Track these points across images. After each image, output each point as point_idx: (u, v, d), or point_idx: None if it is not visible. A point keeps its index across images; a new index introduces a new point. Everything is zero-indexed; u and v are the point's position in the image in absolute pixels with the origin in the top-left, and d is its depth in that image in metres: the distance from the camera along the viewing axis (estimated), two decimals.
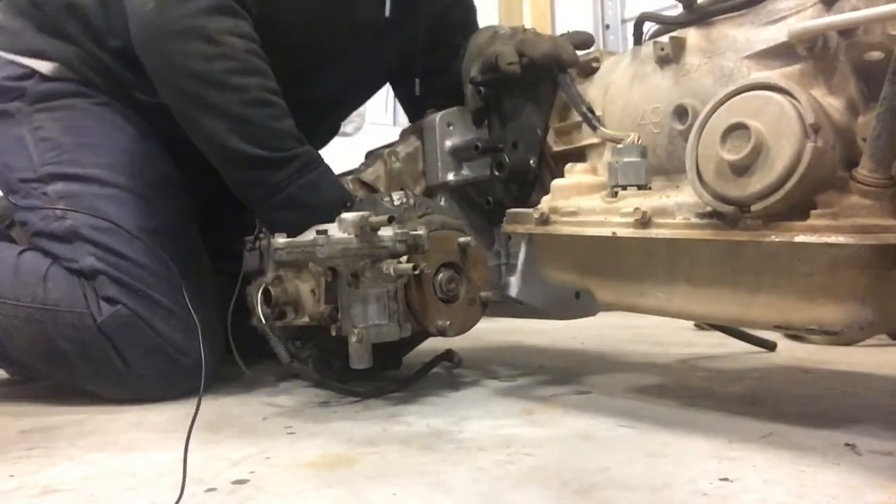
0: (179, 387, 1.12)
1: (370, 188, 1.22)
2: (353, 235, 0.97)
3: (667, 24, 0.94)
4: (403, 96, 1.52)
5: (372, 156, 1.25)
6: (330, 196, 1.11)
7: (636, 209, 0.84)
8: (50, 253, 1.16)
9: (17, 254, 1.17)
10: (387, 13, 1.24)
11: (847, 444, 0.78)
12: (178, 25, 1.08)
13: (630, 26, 1.23)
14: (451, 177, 1.18)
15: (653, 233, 0.83)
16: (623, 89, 0.98)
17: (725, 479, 0.69)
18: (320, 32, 1.23)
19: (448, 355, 1.20)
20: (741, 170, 0.73)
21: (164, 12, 1.09)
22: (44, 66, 1.26)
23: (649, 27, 0.98)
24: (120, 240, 1.14)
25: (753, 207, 0.73)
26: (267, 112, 1.09)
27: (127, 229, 1.13)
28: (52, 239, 1.16)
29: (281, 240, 1.01)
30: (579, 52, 1.08)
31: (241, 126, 1.08)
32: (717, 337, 1.43)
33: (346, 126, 2.68)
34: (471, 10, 1.45)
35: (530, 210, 0.99)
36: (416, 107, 1.44)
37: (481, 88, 1.15)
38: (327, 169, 1.14)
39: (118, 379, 1.12)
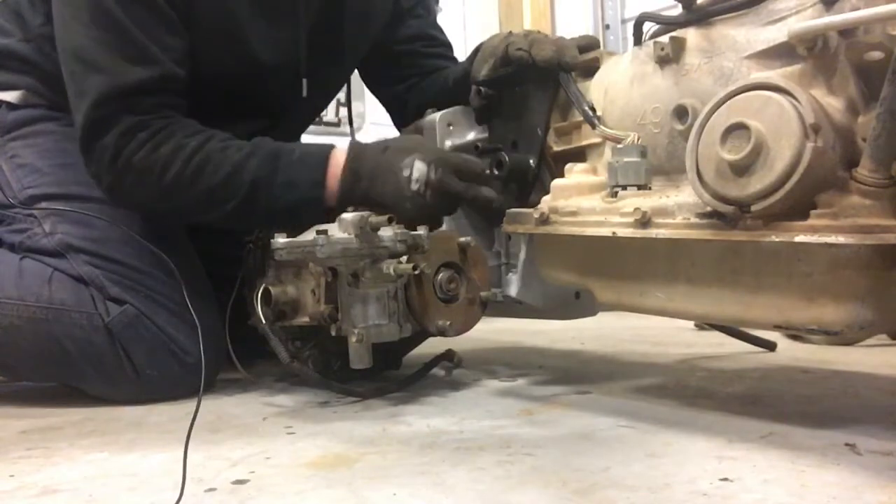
0: (184, 386, 1.12)
1: None
2: (353, 235, 0.97)
3: (667, 24, 0.94)
4: (384, 97, 1.54)
5: None
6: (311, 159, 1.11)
7: (636, 209, 0.84)
8: (48, 265, 1.16)
9: (19, 258, 1.17)
10: (304, 94, 1.29)
11: (847, 444, 0.78)
12: (117, 182, 1.11)
13: (630, 26, 1.23)
14: None
15: (653, 233, 0.83)
16: (623, 89, 0.98)
17: (725, 479, 0.69)
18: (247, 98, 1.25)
19: (448, 355, 1.20)
20: (741, 170, 0.73)
21: (102, 181, 1.13)
22: (10, 96, 1.27)
23: (649, 27, 0.98)
24: (112, 247, 1.14)
25: (753, 207, 0.73)
26: (213, 169, 1.10)
27: (117, 236, 1.14)
28: (44, 254, 1.16)
29: (281, 240, 1.01)
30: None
31: (215, 200, 1.10)
32: (717, 337, 1.43)
33: (347, 126, 2.69)
34: (427, 20, 1.50)
35: (530, 210, 0.99)
36: (400, 107, 1.47)
37: (481, 88, 1.15)
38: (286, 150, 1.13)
39: (123, 379, 1.12)
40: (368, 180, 1.08)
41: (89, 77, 1.10)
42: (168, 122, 1.11)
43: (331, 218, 1.04)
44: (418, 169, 1.05)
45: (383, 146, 1.11)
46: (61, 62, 1.14)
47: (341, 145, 1.13)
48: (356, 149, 1.12)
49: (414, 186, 1.05)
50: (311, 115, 1.51)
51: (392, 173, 1.06)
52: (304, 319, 1.08)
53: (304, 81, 1.29)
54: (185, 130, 1.12)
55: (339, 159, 1.10)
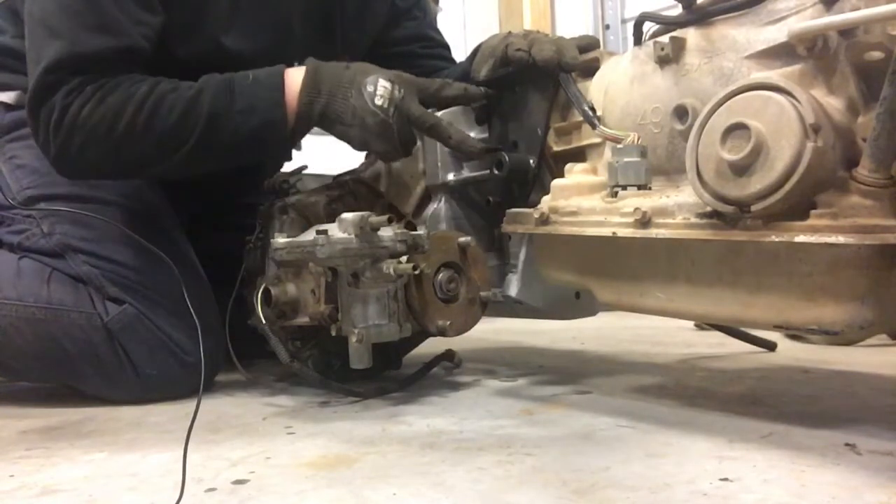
0: (184, 386, 1.12)
1: (370, 188, 1.22)
2: (353, 235, 0.97)
3: (667, 24, 0.94)
4: None
5: (372, 156, 1.25)
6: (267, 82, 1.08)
7: (636, 209, 0.84)
8: (46, 265, 1.16)
9: (17, 259, 1.17)
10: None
11: (847, 444, 0.78)
12: (66, 144, 1.07)
13: (630, 26, 1.23)
14: (451, 177, 1.18)
15: (653, 233, 0.83)
16: (623, 89, 0.98)
17: (725, 479, 0.69)
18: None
19: (448, 355, 1.20)
20: (741, 170, 0.73)
21: (51, 146, 1.08)
22: (7, 97, 1.28)
23: (649, 27, 0.98)
24: (111, 247, 1.14)
25: (753, 207, 0.73)
26: (167, 110, 1.06)
27: (116, 236, 1.14)
28: (43, 254, 1.16)
29: (281, 240, 1.01)
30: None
31: (173, 142, 1.06)
32: (717, 337, 1.43)
33: None
34: (424, 21, 1.50)
35: (530, 210, 0.99)
36: None
37: (481, 88, 1.15)
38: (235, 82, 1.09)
39: (123, 379, 1.12)
40: (328, 96, 1.05)
41: (48, 43, 1.06)
42: (117, 79, 1.07)
43: (294, 143, 1.02)
44: (383, 86, 1.03)
45: (344, 64, 1.08)
46: (25, 30, 1.11)
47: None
48: (315, 64, 1.08)
49: (378, 101, 1.02)
50: None
51: (355, 89, 1.04)
52: (304, 319, 1.08)
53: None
54: (132, 78, 1.07)
55: (296, 77, 1.07)
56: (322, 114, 1.05)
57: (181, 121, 1.05)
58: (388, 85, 1.03)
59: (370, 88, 1.03)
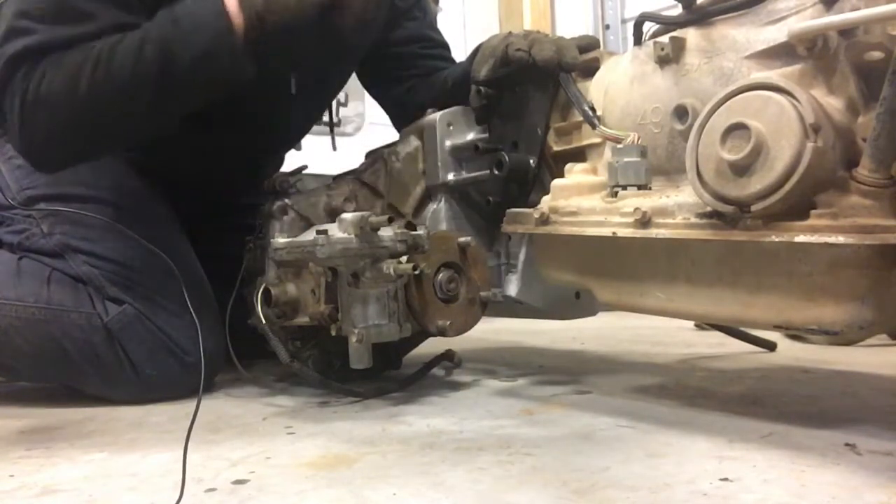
0: (184, 386, 1.12)
1: (370, 188, 1.22)
2: (353, 235, 0.97)
3: (667, 24, 0.94)
4: (382, 99, 1.54)
5: (372, 156, 1.25)
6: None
7: (636, 209, 0.84)
8: (46, 265, 1.16)
9: (17, 258, 1.17)
10: (293, 90, 1.25)
11: (847, 444, 0.78)
12: (31, 124, 1.04)
13: (630, 26, 1.23)
14: (451, 177, 1.18)
15: (653, 233, 0.83)
16: (623, 89, 0.98)
17: (725, 479, 0.68)
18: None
19: (448, 355, 1.20)
20: (741, 170, 0.73)
21: (19, 133, 1.06)
22: None
23: (649, 27, 0.98)
24: (111, 247, 1.14)
25: (753, 207, 0.73)
26: (122, 56, 1.02)
27: (116, 236, 1.14)
28: (42, 254, 1.16)
29: (281, 240, 1.01)
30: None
31: (135, 90, 1.03)
32: (717, 337, 1.43)
33: (346, 126, 2.69)
34: (423, 22, 1.49)
35: (530, 210, 0.99)
36: (399, 109, 1.46)
37: (481, 88, 1.15)
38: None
39: (123, 380, 1.12)
40: None
41: (11, 40, 1.04)
42: (70, 50, 1.03)
43: (255, 56, 1.02)
44: None
45: None
46: None
47: None
48: None
49: None
50: (304, 121, 1.50)
51: None
52: (304, 319, 1.08)
53: (293, 80, 1.27)
54: (86, 46, 1.04)
55: None
56: (266, 8, 1.03)
57: (136, 62, 1.02)
58: None
59: None
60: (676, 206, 0.82)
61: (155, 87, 1.03)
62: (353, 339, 0.99)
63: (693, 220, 0.80)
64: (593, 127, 0.98)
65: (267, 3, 1.03)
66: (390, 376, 1.19)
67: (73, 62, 1.02)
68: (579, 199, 0.95)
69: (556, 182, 0.99)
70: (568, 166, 1.02)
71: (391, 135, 1.35)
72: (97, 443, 0.91)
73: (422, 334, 1.12)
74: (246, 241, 1.21)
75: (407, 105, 1.42)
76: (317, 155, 1.61)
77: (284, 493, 0.70)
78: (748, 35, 0.83)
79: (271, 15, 1.03)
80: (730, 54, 0.85)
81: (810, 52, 0.75)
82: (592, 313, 1.20)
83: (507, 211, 1.04)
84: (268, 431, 0.93)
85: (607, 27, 3.17)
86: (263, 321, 1.08)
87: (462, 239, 1.08)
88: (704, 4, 0.88)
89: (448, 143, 1.18)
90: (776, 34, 0.80)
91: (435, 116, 1.19)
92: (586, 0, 3.21)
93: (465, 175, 1.17)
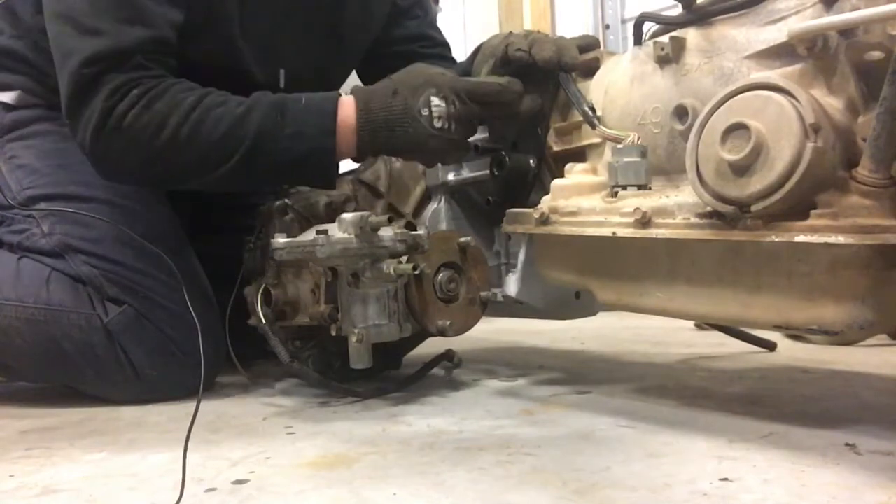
0: (184, 387, 1.12)
1: (370, 188, 1.22)
2: (352, 235, 0.97)
3: (667, 24, 0.94)
4: None
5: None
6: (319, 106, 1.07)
7: (636, 209, 0.84)
8: (46, 265, 1.16)
9: (17, 258, 1.17)
10: (281, 84, 1.25)
11: (847, 444, 0.78)
12: (107, 147, 1.06)
13: (630, 26, 1.23)
14: (450, 177, 1.18)
15: (653, 233, 0.83)
16: (623, 89, 0.98)
17: (725, 479, 0.69)
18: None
19: (448, 355, 1.20)
20: (741, 170, 0.73)
21: (91, 147, 1.07)
22: (6, 97, 1.27)
23: (649, 27, 0.98)
24: (111, 248, 1.14)
25: (753, 207, 0.73)
26: (213, 124, 1.04)
27: (116, 237, 1.13)
28: (42, 255, 1.16)
29: (281, 240, 1.01)
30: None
31: (215, 158, 1.05)
32: (717, 337, 1.43)
33: None
34: (424, 21, 1.49)
35: (530, 210, 0.99)
36: None
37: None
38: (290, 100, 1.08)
39: (123, 380, 1.12)
40: (387, 130, 1.04)
41: (79, 38, 1.05)
42: (160, 80, 1.06)
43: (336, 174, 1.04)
44: (437, 106, 1.02)
45: (391, 89, 1.05)
46: (47, 26, 1.10)
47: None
48: (364, 96, 1.06)
49: (437, 124, 1.02)
50: None
51: (410, 118, 1.02)
52: (304, 319, 1.08)
53: (282, 72, 1.26)
54: (181, 86, 1.07)
55: (348, 107, 1.06)
56: (386, 145, 1.05)
57: (227, 137, 1.04)
58: (441, 104, 1.02)
59: (425, 112, 1.02)
60: (676, 206, 0.82)
61: (233, 167, 1.05)
62: (353, 339, 0.99)
63: (693, 220, 0.80)
64: (593, 127, 0.98)
65: (388, 141, 1.04)
66: (390, 376, 1.19)
67: (162, 108, 1.04)
68: (579, 199, 0.95)
69: (556, 182, 0.99)
70: (568, 166, 1.02)
71: None
72: (97, 443, 0.91)
73: (422, 334, 1.12)
74: (246, 241, 1.21)
75: None
76: None
77: (284, 493, 0.70)
78: (748, 35, 0.83)
79: (389, 148, 1.06)
80: (730, 54, 0.85)
81: (810, 52, 0.75)
82: (592, 313, 1.20)
83: (507, 211, 1.04)
84: (268, 431, 0.93)
85: (607, 27, 3.17)
86: (263, 321, 1.08)
87: (462, 239, 1.08)
88: (704, 4, 0.88)
89: None
90: (776, 34, 0.80)
91: None
92: (586, 0, 3.20)
93: (465, 175, 1.17)
